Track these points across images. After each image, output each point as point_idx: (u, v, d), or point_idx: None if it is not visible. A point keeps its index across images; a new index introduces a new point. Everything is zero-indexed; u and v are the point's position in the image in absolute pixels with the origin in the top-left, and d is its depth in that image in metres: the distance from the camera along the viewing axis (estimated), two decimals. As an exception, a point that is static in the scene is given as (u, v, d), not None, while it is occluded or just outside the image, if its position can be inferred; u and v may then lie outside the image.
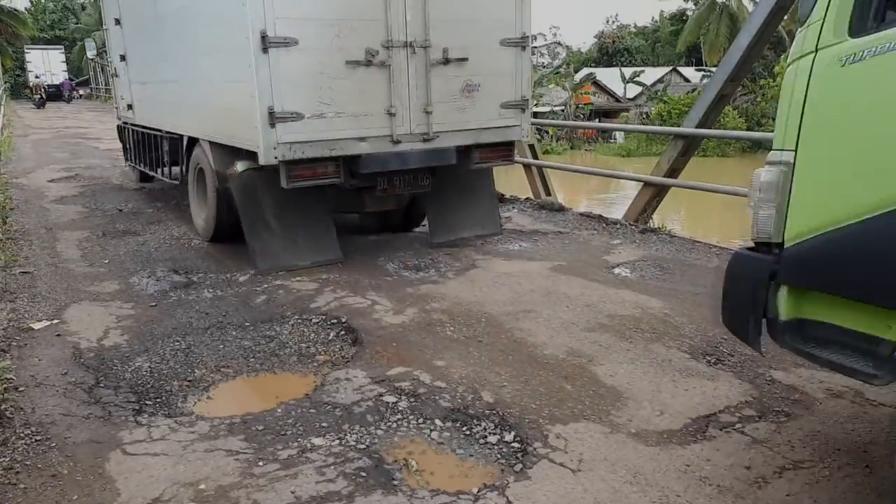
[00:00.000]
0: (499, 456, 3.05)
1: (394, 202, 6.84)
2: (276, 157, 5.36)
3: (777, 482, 2.86)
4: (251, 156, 5.63)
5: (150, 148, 9.06)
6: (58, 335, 4.51)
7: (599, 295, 5.14)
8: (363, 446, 3.12)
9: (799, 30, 2.56)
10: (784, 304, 2.61)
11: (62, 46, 43.26)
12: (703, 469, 2.95)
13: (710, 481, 2.86)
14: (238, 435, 3.24)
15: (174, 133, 7.84)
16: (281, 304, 5.09)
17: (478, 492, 2.79)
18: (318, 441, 3.17)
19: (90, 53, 18.39)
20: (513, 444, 3.13)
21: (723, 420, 3.35)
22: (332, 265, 6.08)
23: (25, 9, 48.06)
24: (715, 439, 3.20)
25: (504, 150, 6.67)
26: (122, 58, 9.50)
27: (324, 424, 3.32)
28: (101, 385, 3.79)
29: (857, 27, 2.34)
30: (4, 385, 3.69)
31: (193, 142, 7.16)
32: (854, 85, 2.37)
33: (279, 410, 3.48)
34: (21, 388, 3.72)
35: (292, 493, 2.79)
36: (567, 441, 3.16)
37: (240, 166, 5.98)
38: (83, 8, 50.95)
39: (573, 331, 4.44)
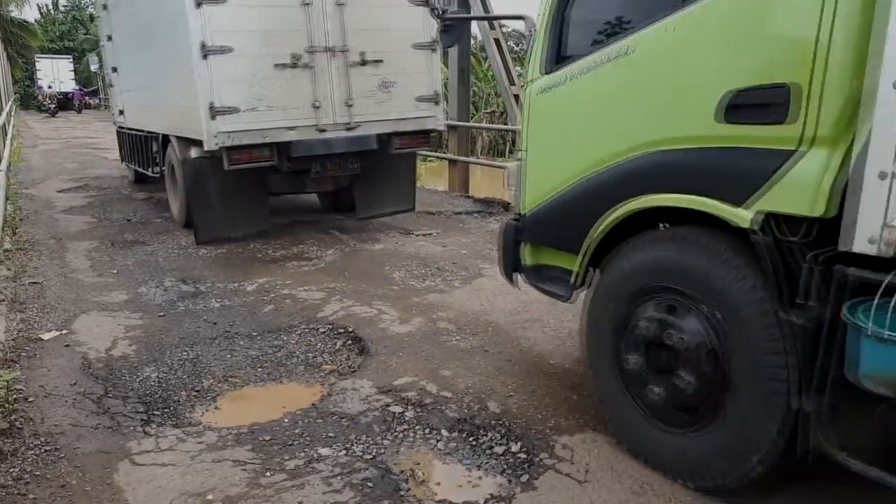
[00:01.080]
0: (505, 466, 3.05)
1: (330, 184, 7.85)
2: (216, 144, 6.45)
3: (786, 490, 2.84)
4: (201, 144, 6.63)
5: (139, 148, 10.15)
6: (67, 345, 4.54)
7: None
8: (370, 456, 3.13)
9: (525, 65, 3.71)
10: (526, 255, 3.78)
11: (71, 56, 43.66)
12: (711, 479, 2.94)
13: (717, 491, 2.85)
14: (245, 445, 3.25)
15: (154, 132, 8.92)
16: (288, 314, 5.11)
17: (484, 503, 2.79)
18: (324, 451, 3.18)
19: (93, 67, 19.11)
20: (519, 455, 3.13)
21: (730, 430, 3.33)
22: (339, 277, 6.10)
23: (35, 20, 48.55)
24: (722, 449, 3.19)
25: (421, 138, 7.77)
26: (114, 69, 10.76)
27: (330, 434, 3.33)
28: (110, 395, 3.82)
29: (547, 68, 3.44)
30: (14, 396, 3.72)
31: (168, 140, 8.09)
32: (547, 107, 3.48)
33: (286, 420, 3.49)
34: (30, 399, 3.75)
35: (299, 503, 2.80)
36: (574, 451, 3.16)
37: (193, 153, 7.07)
38: (92, 19, 51.42)
39: (579, 340, 4.44)
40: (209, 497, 2.85)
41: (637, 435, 3.08)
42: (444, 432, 3.34)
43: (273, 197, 7.88)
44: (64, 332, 4.81)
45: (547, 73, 3.44)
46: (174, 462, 3.12)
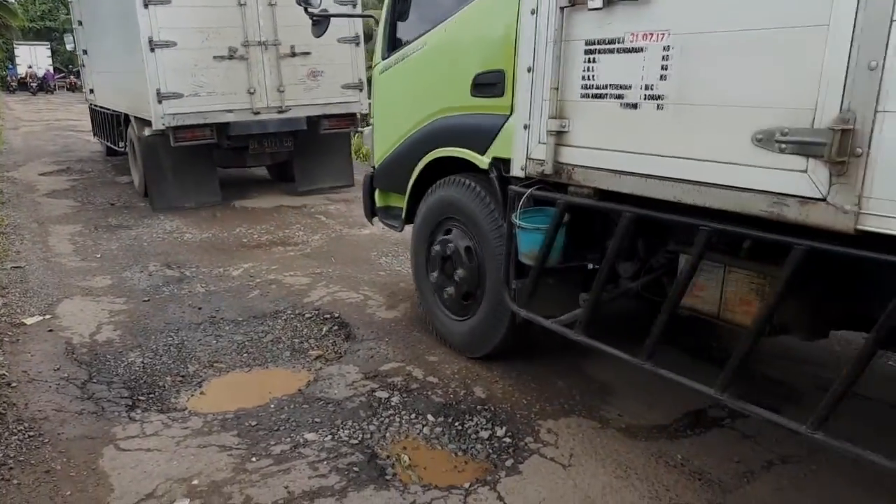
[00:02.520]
0: (490, 451, 3.08)
1: (268, 159, 9.30)
2: (163, 124, 7.65)
3: (765, 476, 2.90)
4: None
5: (107, 124, 11.24)
6: (50, 330, 4.51)
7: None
8: (356, 441, 3.15)
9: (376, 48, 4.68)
10: (378, 199, 4.86)
11: (49, 42, 44.37)
12: (693, 463, 2.98)
13: (699, 475, 2.89)
14: (231, 430, 3.25)
15: (118, 111, 9.92)
16: (274, 299, 5.10)
17: (469, 486, 2.81)
18: (310, 436, 3.19)
19: (69, 47, 19.41)
20: (504, 440, 3.16)
21: (712, 415, 3.38)
22: (326, 262, 6.09)
23: (15, 0, 47.68)
24: (704, 434, 3.24)
25: (348, 120, 8.93)
26: (85, 52, 11.91)
27: (316, 420, 3.34)
28: (94, 381, 3.80)
29: (384, 55, 4.48)
30: (-3, 381, 3.69)
31: (129, 118, 9.18)
32: (385, 84, 4.52)
33: (272, 406, 3.49)
34: (13, 384, 3.72)
35: (285, 488, 2.81)
36: (558, 436, 3.19)
37: (146, 132, 8.11)
38: (71, -1, 50.65)
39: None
40: (195, 482, 2.85)
41: (443, 327, 4.19)
42: (429, 417, 3.36)
43: (265, 186, 9.09)
44: (47, 316, 4.77)
45: (384, 58, 4.51)
46: (159, 447, 3.11)
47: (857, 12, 1.93)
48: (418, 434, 3.23)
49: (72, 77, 42.65)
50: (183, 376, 3.88)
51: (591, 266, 3.34)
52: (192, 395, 3.68)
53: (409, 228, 4.50)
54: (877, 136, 1.95)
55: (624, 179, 2.72)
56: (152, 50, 7.45)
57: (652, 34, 2.55)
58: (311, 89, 8.43)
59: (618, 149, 2.74)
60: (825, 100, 2.04)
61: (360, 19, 8.59)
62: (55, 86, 41.52)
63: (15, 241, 6.87)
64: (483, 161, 3.56)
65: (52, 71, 42.25)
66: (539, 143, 3.07)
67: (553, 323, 3.23)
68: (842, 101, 2.00)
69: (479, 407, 3.46)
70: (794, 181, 2.15)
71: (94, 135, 13.22)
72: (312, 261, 6.10)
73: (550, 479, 2.87)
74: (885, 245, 1.98)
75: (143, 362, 4.03)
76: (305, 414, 3.40)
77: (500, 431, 3.22)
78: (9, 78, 40.93)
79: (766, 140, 2.20)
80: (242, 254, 6.44)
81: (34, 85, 39.12)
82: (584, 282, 3.36)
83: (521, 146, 3.16)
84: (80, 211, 8.51)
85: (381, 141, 4.63)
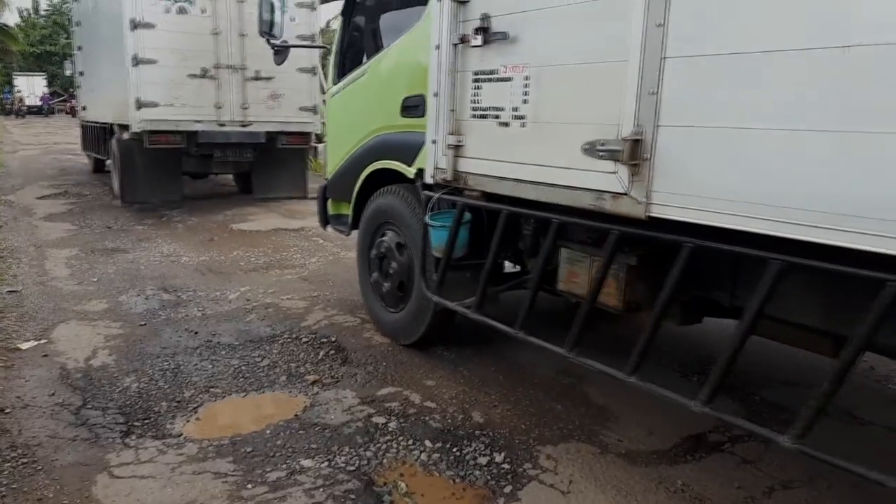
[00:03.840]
0: (489, 477, 3.04)
1: (231, 168, 10.73)
2: (140, 128, 9.07)
3: (766, 502, 2.86)
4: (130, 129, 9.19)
5: (95, 137, 12.77)
6: (45, 355, 4.48)
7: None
8: (352, 468, 3.11)
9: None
10: (330, 207, 5.44)
11: (44, 73, 46.88)
12: (693, 489, 2.95)
13: (699, 501, 2.86)
14: (226, 457, 3.21)
15: (104, 123, 11.30)
16: (271, 323, 5.08)
17: (468, 514, 2.78)
18: (306, 463, 3.15)
19: (68, 72, 20.36)
20: (503, 466, 3.13)
21: (712, 440, 3.36)
22: (323, 286, 6.07)
23: (16, 24, 48.04)
24: (704, 459, 3.21)
25: (303, 138, 10.32)
26: (81, 73, 13.66)
27: (313, 446, 3.31)
28: (89, 406, 3.76)
29: (334, 80, 5.13)
30: (-10, 407, 3.65)
31: (113, 131, 10.55)
32: (335, 106, 5.19)
33: (268, 431, 3.46)
34: (7, 410, 3.68)
35: (281, 516, 2.77)
36: (557, 462, 3.16)
37: (125, 135, 9.51)
38: (70, 23, 51.11)
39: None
40: (189, 510, 2.81)
41: (382, 320, 4.76)
42: (427, 443, 3.33)
43: (263, 210, 10.00)
44: (42, 341, 4.74)
45: (335, 84, 5.15)
46: (154, 474, 3.07)
47: (642, 52, 2.52)
48: (416, 460, 3.20)
49: (71, 101, 43.84)
50: (178, 401, 3.84)
51: (514, 266, 4.02)
52: (188, 421, 3.64)
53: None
54: (657, 144, 2.54)
55: (503, 184, 3.33)
56: (136, 65, 8.93)
57: (517, 66, 3.17)
58: (271, 108, 9.88)
59: (497, 159, 3.35)
60: (624, 117, 2.63)
61: (317, 52, 9.95)
62: (52, 109, 43.94)
63: (11, 264, 6.85)
64: (410, 171, 4.14)
65: (48, 95, 44.80)
66: (443, 154, 3.65)
67: (457, 305, 3.79)
68: (634, 119, 2.58)
69: (477, 432, 3.43)
70: (608, 181, 2.73)
71: (84, 149, 14.81)
72: (310, 284, 6.08)
73: (550, 506, 2.83)
74: (669, 227, 2.54)
75: (138, 387, 4.00)
76: (302, 440, 3.37)
77: (498, 457, 3.19)
78: (6, 103, 43.88)
79: (590, 149, 2.78)
80: (240, 277, 6.42)
81: (23, 109, 42.78)
82: (500, 276, 4.04)
83: (431, 158, 3.75)
84: (77, 234, 8.49)
85: (332, 155, 5.27)
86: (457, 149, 3.58)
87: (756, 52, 2.22)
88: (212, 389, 3.99)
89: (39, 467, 3.13)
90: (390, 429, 3.47)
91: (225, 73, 9.45)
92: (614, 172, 2.68)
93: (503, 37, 3.20)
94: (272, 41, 5.47)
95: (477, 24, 3.32)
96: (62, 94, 45.79)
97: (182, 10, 9.14)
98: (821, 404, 2.20)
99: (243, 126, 9.68)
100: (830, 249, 2.05)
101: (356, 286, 5.93)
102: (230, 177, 12.19)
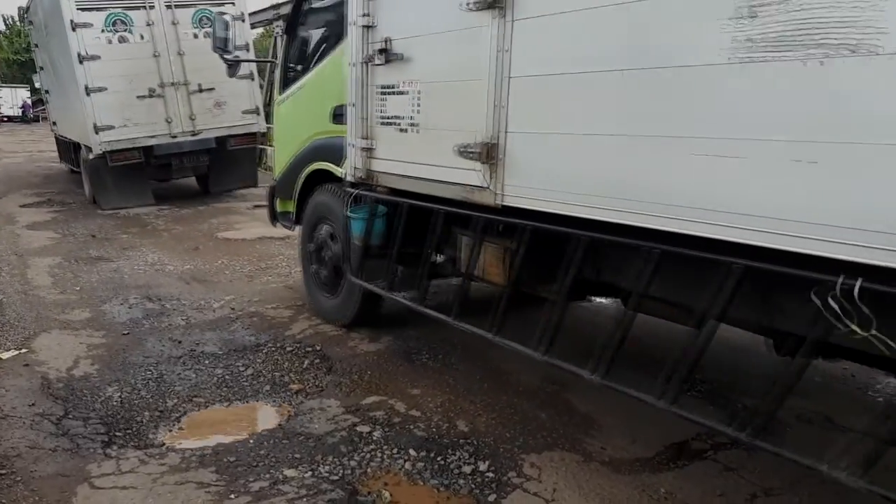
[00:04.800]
0: (473, 486, 3.04)
1: (190, 172, 11.69)
2: (101, 150, 10.07)
3: None
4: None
5: (67, 150, 13.86)
6: (26, 365, 4.43)
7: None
8: (336, 477, 3.10)
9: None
10: (278, 206, 5.80)
11: (28, 84, 46.73)
12: (676, 497, 2.96)
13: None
14: (209, 466, 3.19)
15: (73, 140, 12.30)
16: (255, 332, 5.06)
17: (451, 523, 2.77)
18: (290, 472, 3.14)
19: (37, 85, 20.68)
20: (487, 474, 3.13)
21: (695, 447, 3.38)
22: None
23: (0, 32, 47.73)
24: (687, 466, 3.22)
25: (250, 137, 11.23)
26: (47, 91, 14.83)
27: (296, 455, 3.29)
28: (70, 416, 3.72)
29: (280, 91, 5.60)
30: (-31, 417, 3.61)
31: (80, 145, 11.60)
32: (281, 113, 5.67)
33: (251, 441, 3.44)
34: (-14, 420, 3.64)
35: (264, 526, 2.75)
36: (541, 470, 3.16)
37: (90, 156, 10.44)
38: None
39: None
40: (171, 521, 2.79)
41: (322, 306, 5.28)
42: (412, 452, 3.32)
43: (248, 218, 10.39)
44: (23, 350, 4.69)
45: (280, 94, 5.62)
46: (135, 485, 3.05)
47: (492, 72, 3.04)
48: (400, 469, 3.19)
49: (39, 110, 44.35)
50: (161, 411, 3.81)
51: (438, 257, 4.16)
52: (171, 431, 3.62)
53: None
54: (506, 148, 3.08)
55: (403, 180, 3.87)
56: (88, 94, 9.89)
57: (411, 82, 3.70)
58: (217, 116, 10.79)
59: (399, 160, 3.88)
60: (482, 125, 3.15)
61: (253, 58, 11.37)
62: (37, 116, 43.82)
63: (-7, 273, 6.78)
64: (339, 171, 4.59)
65: (30, 102, 45.12)
66: (358, 156, 4.16)
67: (373, 286, 4.31)
68: (489, 126, 3.12)
69: (461, 441, 3.43)
70: (473, 177, 3.25)
71: (61, 160, 15.62)
72: (295, 293, 6.06)
73: (533, 515, 2.83)
74: (515, 214, 3.12)
75: (120, 397, 3.96)
76: (285, 449, 3.35)
77: (482, 466, 3.19)
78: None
79: (460, 151, 3.28)
80: (224, 286, 6.39)
81: (3, 118, 44.00)
82: (433, 268, 4.12)
83: (350, 159, 4.25)
84: (61, 243, 8.43)
85: (279, 158, 5.74)
86: (369, 151, 4.10)
87: (575, 73, 2.74)
88: (195, 399, 3.97)
89: (18, 478, 3.09)
90: (375, 438, 3.46)
91: (170, 90, 10.41)
92: (477, 170, 3.23)
93: (400, 57, 3.74)
94: (225, 56, 6.21)
95: (380, 46, 3.83)
96: (45, 102, 45.96)
97: (123, 39, 10.12)
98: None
99: (194, 135, 10.67)
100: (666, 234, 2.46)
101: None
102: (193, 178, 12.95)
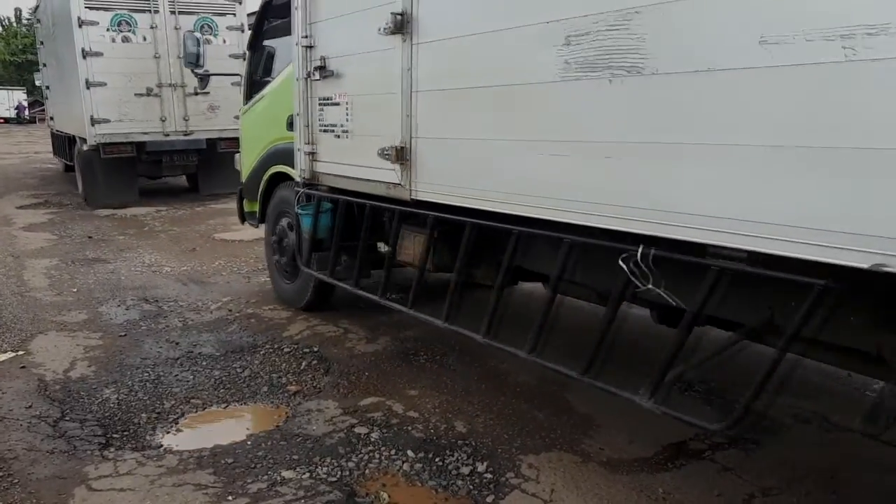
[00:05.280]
0: (471, 487, 3.04)
1: (179, 171, 12.21)
2: (95, 141, 10.60)
3: None
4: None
5: (63, 144, 14.35)
6: (22, 367, 4.42)
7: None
8: (334, 479, 3.09)
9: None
10: (245, 206, 6.29)
11: (24, 87, 47.59)
12: (674, 497, 2.96)
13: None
14: (207, 468, 3.19)
15: (69, 133, 12.73)
16: (252, 333, 5.05)
17: (449, 524, 2.77)
18: (288, 474, 3.13)
19: (37, 83, 21.13)
20: (485, 475, 3.12)
21: (693, 448, 3.38)
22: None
23: (-4, 33, 47.65)
24: (685, 467, 3.22)
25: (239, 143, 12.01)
26: (48, 87, 15.38)
27: (294, 457, 3.29)
28: (67, 418, 3.72)
29: (244, 101, 6.11)
30: (-34, 419, 3.60)
31: (76, 139, 11.88)
32: (245, 121, 6.17)
33: (249, 442, 3.43)
34: (-17, 423, 3.63)
35: (261, 528, 2.75)
36: (539, 471, 3.16)
37: (85, 147, 10.94)
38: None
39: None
40: (168, 523, 2.78)
41: (283, 291, 5.80)
42: (409, 453, 3.32)
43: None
44: (20, 353, 4.68)
45: (244, 104, 6.16)
46: (133, 487, 3.04)
47: (402, 87, 3.56)
48: (398, 470, 3.19)
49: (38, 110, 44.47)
50: (159, 413, 3.81)
51: (383, 248, 4.61)
52: (168, 432, 3.61)
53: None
54: (414, 150, 3.60)
55: (341, 180, 4.38)
56: (88, 88, 10.42)
57: (342, 94, 4.23)
58: (210, 119, 11.35)
59: (337, 162, 4.40)
60: (396, 131, 3.66)
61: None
62: (33, 118, 44.85)
63: (-11, 275, 6.77)
64: (294, 173, 4.96)
65: (25, 104, 46.18)
66: (305, 159, 4.64)
67: (319, 273, 4.80)
68: (401, 133, 3.64)
69: (459, 442, 3.43)
70: (392, 175, 3.76)
71: (54, 154, 16.46)
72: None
73: (531, 516, 2.83)
74: (428, 207, 3.59)
75: (117, 399, 3.96)
76: (283, 451, 3.35)
77: (480, 467, 3.19)
78: None
79: (380, 153, 3.76)
80: (221, 287, 6.38)
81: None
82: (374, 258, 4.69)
83: (298, 162, 4.72)
84: (58, 244, 8.41)
85: (245, 162, 6.21)
86: (313, 155, 4.61)
87: (458, 88, 3.28)
88: (192, 400, 3.96)
89: (15, 480, 3.09)
90: (372, 439, 3.46)
91: (167, 91, 10.96)
92: (394, 170, 3.74)
93: (334, 74, 4.26)
94: (195, 70, 7.13)
95: (318, 63, 4.34)
96: (43, 103, 46.08)
97: (126, 39, 10.65)
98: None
99: (186, 135, 11.24)
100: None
101: (340, 296, 5.92)
102: (184, 177, 13.47)
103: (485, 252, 3.56)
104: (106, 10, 10.46)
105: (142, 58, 10.57)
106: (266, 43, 5.98)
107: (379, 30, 3.58)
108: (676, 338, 2.51)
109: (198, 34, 7.36)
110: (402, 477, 3.14)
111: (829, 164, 1.91)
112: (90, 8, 10.33)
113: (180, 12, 10.90)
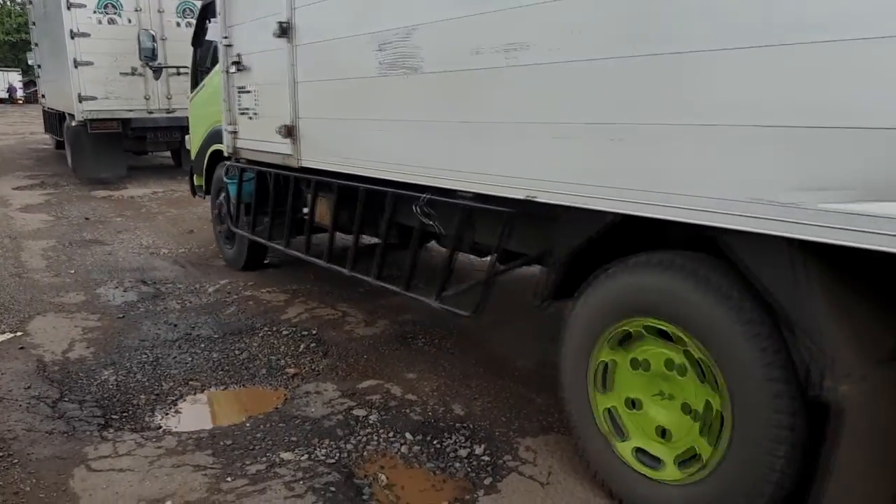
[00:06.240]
0: (469, 469, 3.06)
1: (164, 147, 12.80)
2: (82, 117, 11.23)
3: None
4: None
5: (54, 121, 14.99)
6: (21, 348, 4.43)
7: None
8: (332, 461, 3.11)
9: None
10: (195, 180, 7.11)
11: (19, 68, 47.46)
12: (670, 481, 2.98)
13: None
14: (206, 450, 3.20)
15: (59, 111, 13.47)
16: (251, 316, 5.06)
17: (447, 506, 2.79)
18: (286, 456, 3.15)
19: (30, 62, 21.38)
20: (483, 458, 3.14)
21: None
22: (304, 279, 6.06)
23: (-9, 11, 47.24)
24: (681, 451, 3.24)
25: None
26: (39, 66, 15.79)
27: (293, 439, 3.30)
28: (66, 399, 3.73)
29: (192, 88, 6.93)
30: (-35, 400, 3.60)
31: (65, 116, 12.55)
32: (193, 107, 6.92)
33: (248, 424, 3.45)
34: (-18, 403, 3.64)
35: (261, 508, 2.77)
36: (537, 454, 3.18)
37: (73, 122, 11.54)
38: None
39: (543, 341, 4.47)
40: (168, 503, 2.80)
41: (226, 255, 6.56)
42: (408, 436, 3.34)
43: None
44: (18, 333, 4.68)
45: (192, 91, 6.92)
46: (132, 467, 3.06)
47: (289, 79, 4.45)
48: (396, 453, 3.21)
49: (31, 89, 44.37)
50: (157, 394, 3.82)
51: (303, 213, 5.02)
52: (167, 414, 3.62)
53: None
54: (300, 128, 4.50)
55: (254, 153, 5.25)
56: (76, 67, 11.02)
57: (253, 84, 5.11)
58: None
59: (250, 138, 5.27)
60: (287, 113, 4.54)
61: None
62: (28, 97, 44.64)
63: (-14, 256, 6.75)
64: (222, 149, 5.79)
65: (17, 85, 46.80)
66: (229, 137, 5.50)
67: (245, 232, 5.74)
68: (290, 114, 4.52)
69: (457, 425, 3.45)
70: (286, 148, 4.65)
71: (46, 131, 17.12)
72: (290, 276, 6.06)
73: (528, 498, 2.85)
74: (313, 172, 4.57)
75: (116, 380, 3.97)
76: (282, 433, 3.36)
77: (478, 449, 3.21)
78: None
79: (278, 131, 4.59)
80: (219, 269, 6.38)
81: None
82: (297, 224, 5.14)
83: (225, 140, 5.57)
84: (55, 225, 8.39)
85: (193, 142, 6.94)
86: (234, 133, 5.46)
87: (324, 80, 4.26)
88: (191, 382, 3.98)
89: (15, 461, 3.10)
90: (371, 421, 3.48)
91: (151, 70, 11.02)
92: (286, 143, 4.62)
93: (245, 68, 5.12)
94: (150, 63, 8.60)
95: (235, 59, 5.19)
96: (17, 85, 47.11)
97: (112, 21, 11.24)
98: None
99: (168, 113, 11.78)
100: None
101: (338, 279, 5.93)
102: (168, 153, 14.19)
103: (367, 211, 4.25)
104: None
105: (126, 39, 10.80)
106: (210, 38, 6.53)
107: (272, 34, 4.42)
108: (446, 257, 3.69)
109: (153, 31, 8.82)
110: (400, 459, 3.16)
111: (495, 132, 3.00)
112: None
113: None
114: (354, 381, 3.96)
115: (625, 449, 2.72)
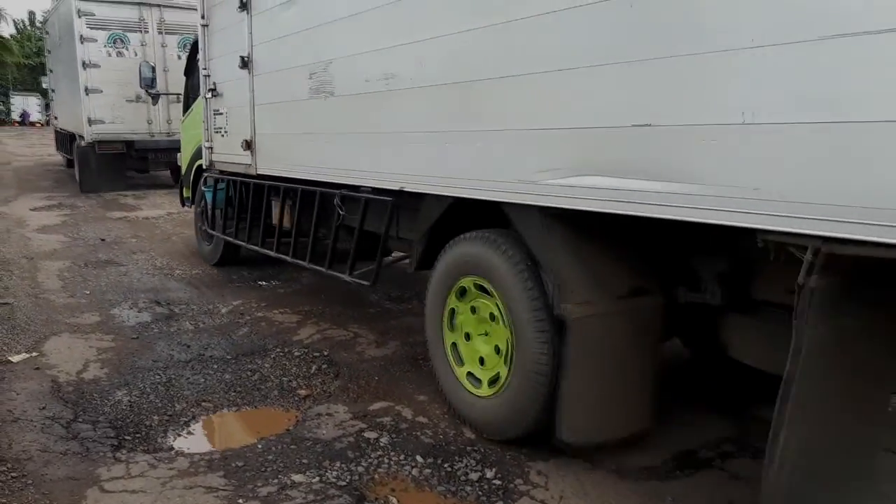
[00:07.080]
0: (480, 493, 3.05)
1: (164, 167, 14.04)
2: (91, 139, 12.77)
3: None
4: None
5: (64, 141, 16.50)
6: (36, 368, 4.47)
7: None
8: (344, 483, 3.11)
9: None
10: (185, 192, 8.15)
11: (39, 93, 48.05)
12: (683, 506, 2.96)
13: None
14: (218, 471, 3.21)
15: (69, 131, 14.93)
16: (263, 337, 5.08)
17: (458, 530, 2.78)
18: (298, 478, 3.15)
19: (44, 85, 22.72)
20: (494, 482, 3.13)
21: (702, 456, 3.37)
22: (316, 300, 6.08)
23: (11, 35, 48.11)
24: (694, 475, 3.22)
25: None
26: (53, 90, 17.85)
27: (304, 461, 3.31)
28: (80, 420, 3.75)
29: (183, 112, 8.09)
30: (-20, 420, 3.64)
31: (75, 136, 13.86)
32: (183, 129, 8.15)
33: (259, 446, 3.46)
34: (-3, 423, 3.67)
35: (272, 531, 2.76)
36: (548, 478, 3.17)
37: (82, 143, 12.97)
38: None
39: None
40: (180, 525, 2.81)
41: (203, 252, 7.63)
42: (419, 458, 3.33)
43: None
44: (34, 354, 4.73)
45: (183, 114, 7.88)
46: (145, 489, 3.07)
47: (250, 103, 5.44)
48: (407, 475, 3.20)
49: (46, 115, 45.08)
50: (170, 415, 3.84)
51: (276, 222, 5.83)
52: (179, 435, 3.64)
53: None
54: (256, 142, 5.53)
55: (226, 165, 6.18)
56: (87, 94, 12.54)
57: (225, 107, 6.04)
58: None
59: (223, 153, 6.19)
60: (247, 130, 5.53)
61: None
62: (42, 121, 46.13)
63: (3, 276, 6.83)
64: (202, 165, 6.70)
65: (27, 111, 48.29)
66: (206, 153, 6.41)
67: (219, 234, 6.73)
68: (250, 131, 5.48)
69: (468, 448, 3.44)
70: (246, 159, 5.59)
71: (57, 149, 18.79)
72: (302, 298, 6.09)
73: (540, 522, 2.84)
74: (270, 179, 5.54)
75: (129, 401, 3.99)
76: (293, 454, 3.37)
77: (489, 473, 3.20)
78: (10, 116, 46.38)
79: (242, 145, 5.59)
80: (232, 290, 6.42)
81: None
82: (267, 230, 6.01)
83: (204, 155, 6.47)
84: (71, 246, 8.49)
85: (183, 158, 7.98)
86: (211, 149, 6.37)
87: (274, 102, 5.23)
88: (203, 403, 3.99)
89: (29, 481, 3.12)
90: (382, 444, 3.48)
91: (150, 97, 11.92)
92: (247, 155, 5.56)
93: (219, 94, 6.07)
94: (150, 90, 9.88)
95: (212, 86, 6.15)
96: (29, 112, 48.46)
97: (120, 54, 12.73)
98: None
99: (168, 136, 13.04)
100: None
101: (350, 300, 5.97)
102: (168, 172, 15.05)
103: (304, 208, 5.13)
104: (104, 29, 12.60)
105: (133, 70, 11.57)
106: (195, 71, 7.30)
107: (237, 66, 5.39)
108: (355, 237, 4.53)
109: (152, 63, 10.44)
110: (411, 482, 3.15)
111: (381, 140, 3.99)
112: (90, 27, 12.48)
113: (166, 32, 12.96)
114: (366, 403, 3.96)
115: (461, 373, 3.65)
